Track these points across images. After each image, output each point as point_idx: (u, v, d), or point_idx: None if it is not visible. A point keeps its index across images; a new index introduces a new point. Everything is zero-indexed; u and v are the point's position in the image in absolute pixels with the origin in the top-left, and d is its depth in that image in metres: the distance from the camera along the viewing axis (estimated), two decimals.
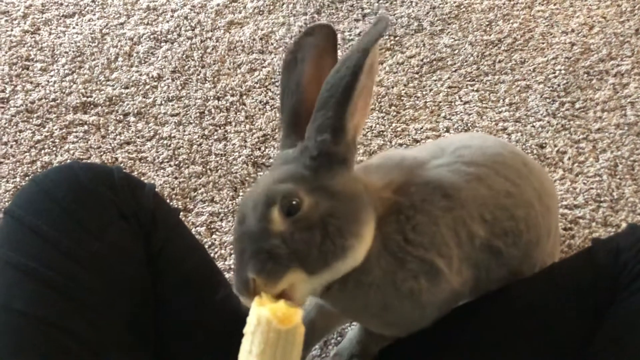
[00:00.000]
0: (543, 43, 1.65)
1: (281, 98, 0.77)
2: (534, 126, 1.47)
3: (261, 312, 0.61)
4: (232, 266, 0.70)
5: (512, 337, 0.84)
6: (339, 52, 0.76)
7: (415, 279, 0.75)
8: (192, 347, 0.84)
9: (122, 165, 1.41)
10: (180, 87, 1.57)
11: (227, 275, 1.23)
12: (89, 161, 1.41)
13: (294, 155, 0.70)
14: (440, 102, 1.53)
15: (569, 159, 1.40)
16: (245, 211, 0.67)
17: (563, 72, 1.57)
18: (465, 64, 1.61)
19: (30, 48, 1.66)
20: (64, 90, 1.56)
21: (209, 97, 1.55)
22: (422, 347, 0.89)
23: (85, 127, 1.49)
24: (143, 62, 1.64)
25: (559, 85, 1.55)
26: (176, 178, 1.40)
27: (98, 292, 0.76)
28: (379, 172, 0.79)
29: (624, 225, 1.28)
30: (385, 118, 1.50)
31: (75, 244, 0.76)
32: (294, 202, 0.65)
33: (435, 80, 1.58)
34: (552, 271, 0.86)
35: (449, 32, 1.69)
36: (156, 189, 0.89)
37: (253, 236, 0.65)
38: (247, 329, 0.62)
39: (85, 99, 1.55)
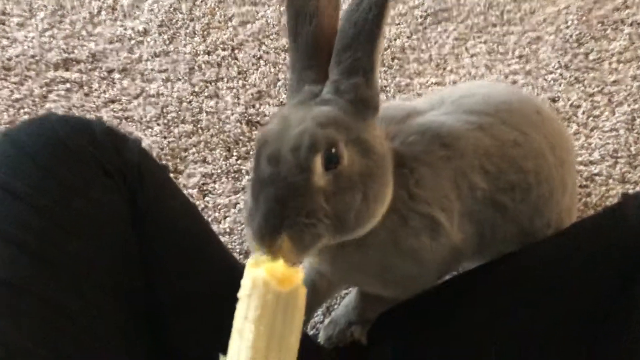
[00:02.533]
0: None
1: (292, 25, 0.70)
2: (545, 79, 1.40)
3: (257, 273, 0.54)
4: (246, 212, 0.63)
5: (531, 301, 0.78)
6: None
7: (417, 236, 0.73)
8: (184, 314, 0.78)
9: None
10: (167, 42, 1.50)
11: (222, 240, 1.17)
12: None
13: (329, 97, 0.66)
14: (446, 55, 1.46)
15: (584, 113, 1.34)
16: (281, 150, 0.61)
17: (575, 22, 1.49)
18: (471, 14, 1.53)
19: (5, 1, 1.56)
20: (43, 46, 1.47)
21: (198, 52, 1.47)
22: (432, 308, 0.84)
23: (67, 84, 1.41)
24: (128, 15, 1.55)
25: (571, 36, 1.47)
26: (165, 138, 1.32)
27: (80, 256, 0.69)
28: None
29: None
30: (388, 72, 1.43)
31: (53, 203, 0.69)
32: (335, 153, 0.61)
33: (440, 32, 1.50)
34: (576, 229, 0.80)
35: None
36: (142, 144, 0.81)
37: (294, 187, 0.59)
38: (242, 293, 0.55)
39: (66, 55, 1.46)
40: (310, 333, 1.07)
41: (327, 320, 1.02)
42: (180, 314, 0.77)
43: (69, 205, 0.70)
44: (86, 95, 1.39)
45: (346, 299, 1.02)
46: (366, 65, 0.64)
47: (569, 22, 1.49)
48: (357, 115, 0.65)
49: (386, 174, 0.67)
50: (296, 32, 0.70)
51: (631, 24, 1.47)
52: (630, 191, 1.19)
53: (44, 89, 1.40)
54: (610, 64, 1.41)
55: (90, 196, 0.72)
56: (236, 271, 0.65)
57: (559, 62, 1.42)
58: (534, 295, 0.78)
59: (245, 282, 0.55)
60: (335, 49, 0.66)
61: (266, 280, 0.53)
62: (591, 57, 1.43)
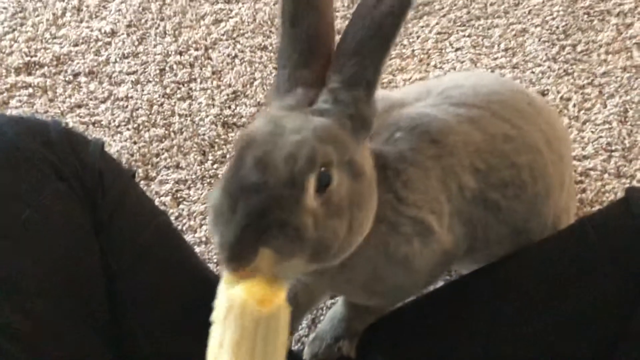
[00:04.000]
0: None
1: (291, 8, 0.60)
2: (533, 72, 1.34)
3: (233, 293, 0.47)
4: (213, 213, 0.54)
5: (534, 309, 0.72)
6: None
7: (409, 243, 0.66)
8: (155, 336, 0.71)
9: None
10: (136, 43, 1.42)
11: (198, 250, 1.09)
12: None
13: (327, 107, 0.58)
14: (429, 49, 1.40)
15: (574, 105, 1.28)
16: (272, 155, 0.52)
17: (561, 13, 1.43)
18: (454, 7, 1.47)
19: None
20: (3, 50, 1.40)
21: (169, 52, 1.40)
22: (429, 318, 0.79)
23: (30, 89, 1.33)
24: (94, 16, 1.47)
25: (557, 27, 1.41)
26: (135, 143, 1.24)
27: (31, 272, 0.63)
28: None
29: (639, 175, 1.16)
30: None
31: None
32: (327, 174, 0.54)
33: (422, 27, 1.44)
34: (582, 227, 0.74)
35: None
36: (105, 148, 0.74)
37: (282, 201, 0.51)
38: (216, 316, 0.48)
39: (29, 58, 1.39)
40: (295, 348, 0.99)
41: (312, 336, 0.94)
42: (151, 336, 0.70)
43: (15, 212, 0.64)
44: (50, 100, 1.32)
45: (331, 312, 0.95)
46: (371, 77, 0.57)
47: (555, 14, 1.43)
48: (352, 134, 0.58)
49: (372, 198, 0.60)
50: (295, 18, 0.60)
51: (617, 15, 1.42)
52: (627, 185, 1.14)
53: (5, 94, 1.32)
54: (599, 55, 1.36)
55: (42, 202, 0.66)
56: (212, 286, 0.57)
57: (546, 54, 1.37)
58: (536, 302, 0.73)
59: (220, 304, 0.48)
60: (338, 51, 0.58)
61: (244, 301, 0.46)
62: (579, 48, 1.37)
